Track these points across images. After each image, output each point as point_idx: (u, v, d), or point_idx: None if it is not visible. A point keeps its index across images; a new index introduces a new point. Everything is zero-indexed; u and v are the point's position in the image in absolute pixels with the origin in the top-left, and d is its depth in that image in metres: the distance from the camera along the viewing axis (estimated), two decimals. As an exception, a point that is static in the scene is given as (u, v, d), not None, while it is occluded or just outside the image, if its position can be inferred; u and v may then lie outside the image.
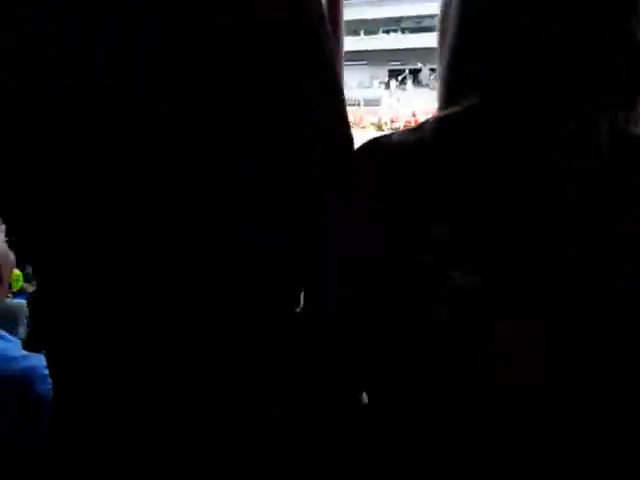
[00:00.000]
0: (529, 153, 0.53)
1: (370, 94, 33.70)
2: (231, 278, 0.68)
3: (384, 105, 31.64)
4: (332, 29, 3.06)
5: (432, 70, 36.64)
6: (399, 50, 36.07)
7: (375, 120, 29.90)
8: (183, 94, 0.62)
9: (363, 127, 29.22)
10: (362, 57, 32.57)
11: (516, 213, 0.53)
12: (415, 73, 37.41)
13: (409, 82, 36.38)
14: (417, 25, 35.62)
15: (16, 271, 2.78)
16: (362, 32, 34.30)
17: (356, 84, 33.71)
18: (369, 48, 34.35)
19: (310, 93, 0.68)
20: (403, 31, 36.36)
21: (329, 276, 0.63)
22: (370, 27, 35.21)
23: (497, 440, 0.53)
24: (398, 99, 32.79)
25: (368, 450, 0.63)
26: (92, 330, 0.69)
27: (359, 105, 29.95)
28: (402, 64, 37.20)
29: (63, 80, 0.59)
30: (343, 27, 4.41)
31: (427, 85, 36.27)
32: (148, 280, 0.67)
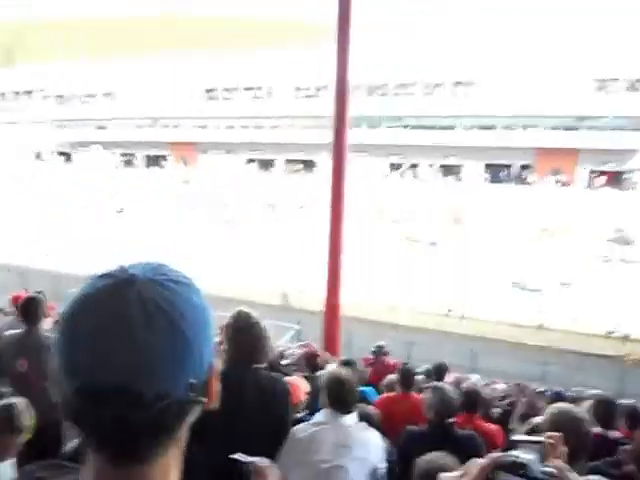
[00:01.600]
0: None
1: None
2: None
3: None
4: (339, 124, 3.06)
5: (431, 166, 38.00)
6: (398, 145, 37.41)
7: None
8: None
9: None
10: (364, 149, 33.67)
11: None
12: (415, 168, 38.68)
13: (409, 177, 37.52)
14: (416, 123, 37.22)
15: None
16: (364, 125, 35.60)
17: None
18: (371, 142, 35.56)
19: None
20: (404, 127, 37.85)
21: None
22: (372, 122, 36.65)
23: None
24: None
25: None
26: None
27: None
28: (402, 158, 38.48)
29: None
30: (348, 121, 4.47)
31: (424, 180, 37.48)
32: None
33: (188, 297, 0.74)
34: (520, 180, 35.66)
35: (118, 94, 47.62)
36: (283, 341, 14.31)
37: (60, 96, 49.59)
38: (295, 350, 7.87)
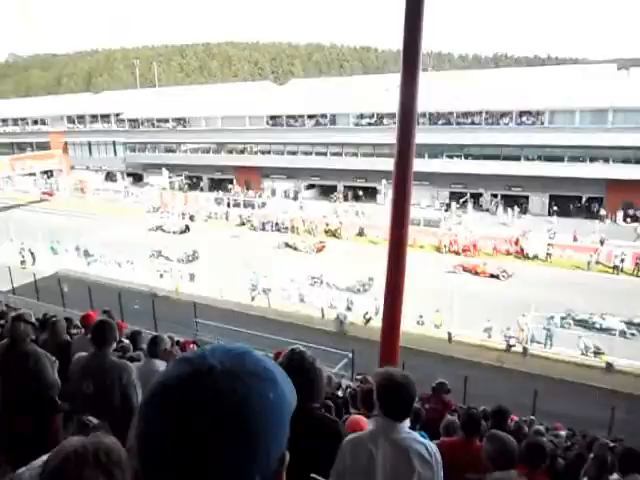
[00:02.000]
0: None
1: (430, 214, 34.09)
2: None
3: (443, 227, 31.81)
4: (405, 150, 2.89)
5: (494, 196, 37.10)
6: (460, 174, 36.85)
7: (435, 242, 30.03)
8: None
9: (421, 247, 29.32)
10: (425, 178, 33.34)
11: None
12: (476, 197, 37.91)
13: (470, 205, 36.72)
14: (479, 152, 36.60)
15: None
16: (426, 155, 35.33)
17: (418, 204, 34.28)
18: (433, 170, 35.21)
19: None
20: (466, 157, 37.29)
21: None
22: (434, 151, 36.34)
23: None
24: (460, 222, 32.93)
25: None
26: None
27: (419, 225, 30.18)
28: (464, 187, 37.86)
29: None
30: (414, 149, 4.34)
31: (487, 210, 36.57)
32: None
33: (264, 393, 0.73)
34: (590, 213, 34.42)
35: (188, 119, 49.46)
36: (336, 369, 14.14)
37: (134, 120, 51.97)
38: (350, 383, 7.67)
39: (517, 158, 35.51)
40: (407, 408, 2.60)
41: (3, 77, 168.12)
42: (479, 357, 17.85)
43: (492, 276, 25.33)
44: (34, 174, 52.65)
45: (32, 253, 29.29)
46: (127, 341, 6.64)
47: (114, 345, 3.98)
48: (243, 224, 37.25)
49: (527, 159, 35.43)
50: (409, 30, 5.16)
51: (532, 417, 9.20)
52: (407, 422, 2.61)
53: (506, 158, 35.58)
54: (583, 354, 17.86)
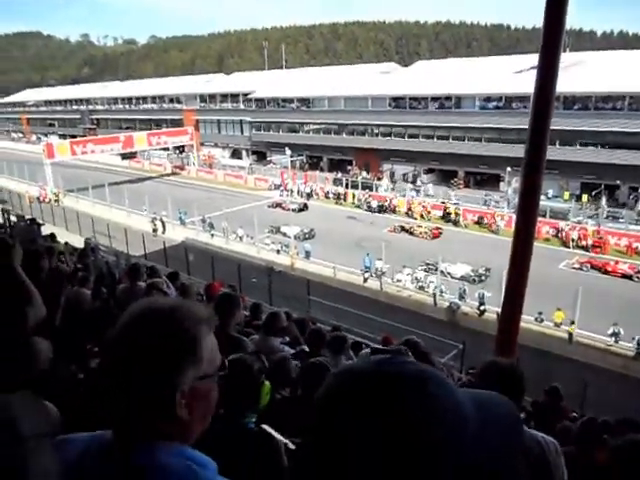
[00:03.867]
0: None
1: (557, 206, 32.03)
2: None
3: (572, 220, 29.74)
4: (538, 136, 2.66)
5: (633, 189, 33.93)
6: (595, 164, 34.12)
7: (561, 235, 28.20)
8: None
9: (547, 240, 27.68)
10: (554, 167, 31.24)
11: None
12: (612, 189, 34.95)
13: (604, 199, 33.95)
14: (618, 141, 33.56)
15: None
16: (557, 142, 33.08)
17: (545, 194, 32.32)
18: (563, 159, 32.95)
19: None
20: (603, 145, 34.40)
21: None
22: (567, 138, 33.90)
23: None
24: (590, 216, 30.62)
25: None
26: None
27: (544, 216, 28.47)
28: (597, 178, 35.04)
29: None
30: (548, 136, 4.03)
31: (624, 204, 33.54)
32: None
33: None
34: None
35: (312, 100, 50.29)
36: (445, 359, 13.83)
37: (261, 100, 53.80)
38: (462, 376, 7.42)
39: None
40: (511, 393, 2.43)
41: (144, 57, 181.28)
42: (602, 362, 16.59)
43: (624, 276, 23.31)
44: (168, 149, 56.48)
45: (163, 222, 31.52)
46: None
47: (235, 320, 4.07)
48: (360, 206, 37.37)
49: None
50: (551, 4, 4.78)
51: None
52: None
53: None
54: None
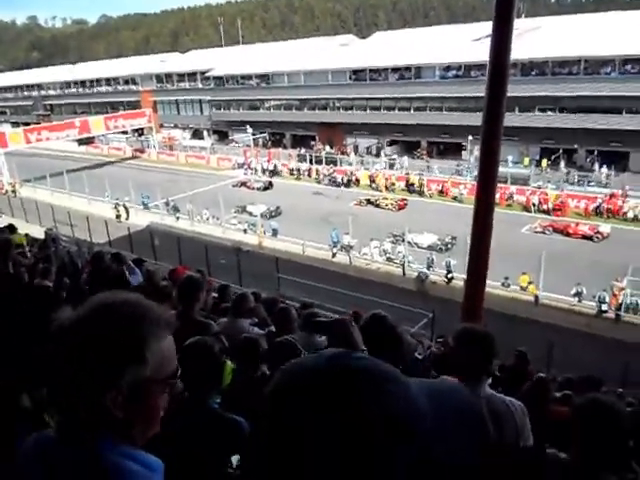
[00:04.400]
0: None
1: (518, 172, 32.59)
2: None
3: (533, 185, 30.31)
4: (494, 104, 2.68)
5: (589, 152, 34.72)
6: (554, 129, 34.74)
7: (522, 200, 28.71)
8: None
9: (509, 205, 28.18)
10: (515, 133, 31.67)
11: None
12: (570, 153, 35.68)
13: (562, 162, 34.65)
14: (576, 105, 34.18)
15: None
16: (516, 109, 33.51)
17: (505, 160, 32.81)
18: (522, 125, 33.44)
19: None
20: (561, 110, 34.99)
21: None
22: (525, 104, 34.35)
23: None
24: (549, 180, 31.25)
25: None
26: None
27: (506, 182, 28.95)
28: (556, 143, 35.72)
29: None
30: (505, 103, 4.06)
31: (581, 167, 34.32)
32: None
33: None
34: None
35: (271, 76, 49.62)
36: (416, 328, 14.06)
37: (219, 78, 52.80)
38: (432, 344, 7.56)
39: (619, 111, 32.84)
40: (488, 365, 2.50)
41: (96, 37, 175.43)
42: (566, 322, 17.12)
43: (585, 237, 23.98)
44: (126, 132, 55.11)
45: (126, 208, 30.93)
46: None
47: (199, 304, 4.02)
48: (320, 181, 37.31)
49: (630, 112, 32.61)
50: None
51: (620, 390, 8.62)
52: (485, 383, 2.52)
53: (605, 111, 33.03)
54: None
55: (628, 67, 33.13)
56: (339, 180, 36.05)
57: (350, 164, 39.20)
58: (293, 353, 2.93)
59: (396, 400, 0.67)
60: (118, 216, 30.39)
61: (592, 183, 30.86)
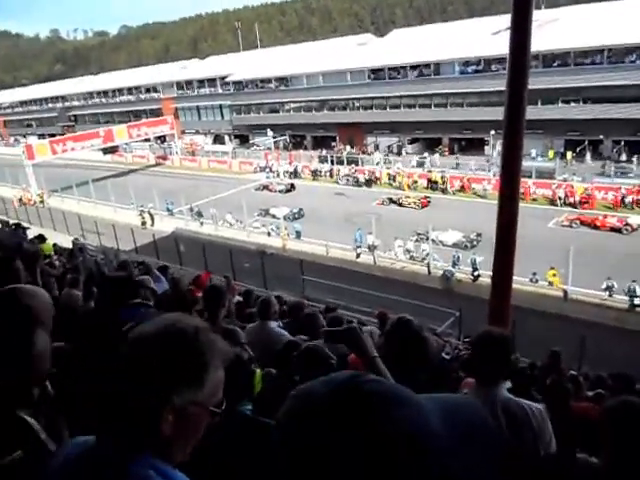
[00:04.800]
0: None
1: (543, 165, 32.05)
2: None
3: (559, 178, 29.76)
4: (516, 97, 2.62)
5: (615, 143, 33.98)
6: (578, 120, 34.11)
7: (548, 194, 28.23)
8: None
9: (534, 200, 27.75)
10: (538, 126, 31.19)
11: None
12: (595, 145, 35.01)
13: (588, 154, 34.00)
14: (600, 95, 33.50)
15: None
16: (539, 102, 33.01)
17: (529, 154, 32.34)
18: (546, 117, 32.91)
19: None
20: (585, 101, 34.34)
21: None
22: (549, 96, 33.81)
23: None
24: (574, 172, 30.63)
25: None
26: None
27: (530, 177, 28.49)
28: (581, 135, 35.07)
29: None
30: (526, 96, 3.98)
31: (608, 158, 33.63)
32: None
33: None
34: None
35: (290, 78, 49.74)
36: (443, 327, 13.93)
37: (238, 82, 53.14)
38: (458, 343, 7.48)
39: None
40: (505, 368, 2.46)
41: (117, 48, 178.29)
42: (597, 317, 16.75)
43: (613, 230, 23.48)
44: (149, 140, 55.84)
45: (151, 215, 31.30)
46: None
47: (224, 311, 4.17)
48: (338, 181, 37.24)
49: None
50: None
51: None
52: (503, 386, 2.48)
53: (632, 100, 32.28)
54: None
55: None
56: (360, 180, 35.90)
57: (377, 163, 38.80)
58: (322, 359, 2.91)
59: (408, 420, 0.68)
60: (143, 223, 30.76)
61: (631, 175, 29.96)
